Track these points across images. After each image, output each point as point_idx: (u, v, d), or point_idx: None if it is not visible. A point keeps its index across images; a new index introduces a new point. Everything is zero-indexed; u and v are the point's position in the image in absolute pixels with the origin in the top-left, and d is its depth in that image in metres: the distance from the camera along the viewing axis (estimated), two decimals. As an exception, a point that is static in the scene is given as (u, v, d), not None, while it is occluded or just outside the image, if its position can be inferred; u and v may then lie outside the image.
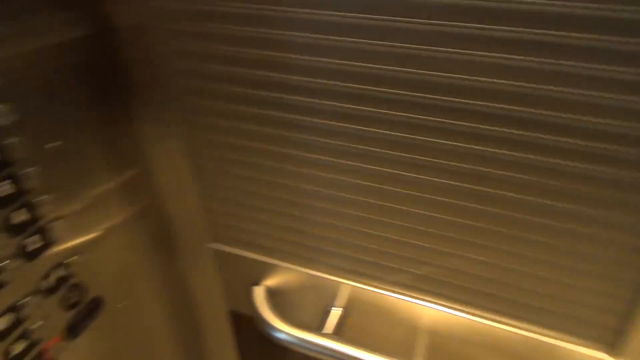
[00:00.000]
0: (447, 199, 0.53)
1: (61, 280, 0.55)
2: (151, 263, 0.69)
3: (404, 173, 0.53)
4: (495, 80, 0.43)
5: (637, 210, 0.45)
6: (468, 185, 0.51)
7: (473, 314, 0.60)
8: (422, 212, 0.55)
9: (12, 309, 0.49)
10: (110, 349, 0.64)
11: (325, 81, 0.50)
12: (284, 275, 0.69)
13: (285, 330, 0.66)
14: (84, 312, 0.59)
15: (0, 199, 0.45)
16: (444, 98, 0.46)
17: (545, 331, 0.57)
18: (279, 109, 0.54)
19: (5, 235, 0.47)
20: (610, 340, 0.54)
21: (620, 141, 0.42)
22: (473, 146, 0.48)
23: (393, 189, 0.55)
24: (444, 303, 0.61)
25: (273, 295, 0.71)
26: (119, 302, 0.64)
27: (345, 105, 0.51)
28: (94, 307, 0.60)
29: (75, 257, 0.56)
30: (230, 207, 0.67)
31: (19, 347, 0.50)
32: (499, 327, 0.59)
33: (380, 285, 0.64)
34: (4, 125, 0.45)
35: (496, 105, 0.45)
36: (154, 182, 0.64)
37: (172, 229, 0.69)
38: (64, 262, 0.55)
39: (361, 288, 0.65)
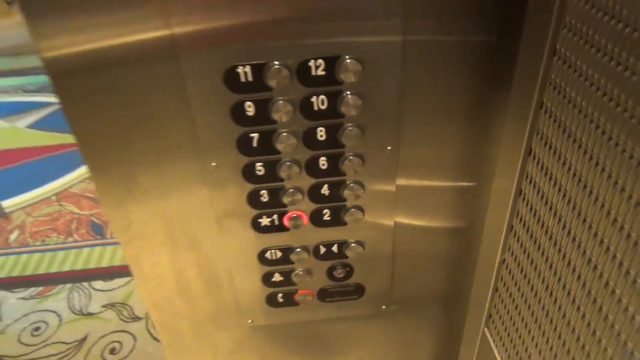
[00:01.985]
0: None
1: (337, 255, 0.58)
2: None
3: None
4: None
5: None
6: None
7: None
8: None
9: (290, 250, 0.57)
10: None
11: None
12: None
13: None
14: (341, 290, 0.61)
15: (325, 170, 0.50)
16: None
17: None
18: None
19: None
20: None
21: None
22: None
23: None
24: None
25: None
26: (383, 303, 0.64)
27: None
28: (352, 292, 0.62)
29: (359, 248, 0.57)
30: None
31: (277, 277, 0.59)
32: None
33: None
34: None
35: None
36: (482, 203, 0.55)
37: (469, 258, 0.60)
38: (351, 243, 0.57)
39: None
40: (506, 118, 0.48)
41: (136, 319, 1.37)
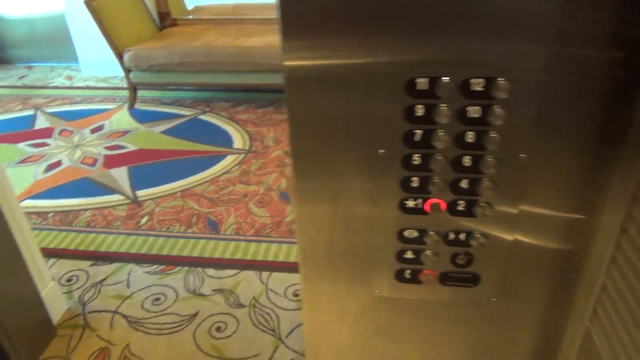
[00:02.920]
0: None
1: (463, 243, 0.70)
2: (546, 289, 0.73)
3: None
4: None
5: None
6: None
7: None
8: None
9: (424, 232, 0.70)
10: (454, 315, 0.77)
11: None
12: None
13: None
14: (460, 276, 0.73)
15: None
16: None
17: None
18: None
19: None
20: None
21: None
22: None
23: None
24: None
25: None
26: (494, 294, 0.74)
27: None
28: (469, 279, 0.73)
29: (483, 239, 0.69)
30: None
31: (409, 254, 0.72)
32: None
33: None
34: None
35: None
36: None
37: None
38: (476, 234, 0.69)
39: None
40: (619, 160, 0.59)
41: (241, 306, 1.54)
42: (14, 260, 1.28)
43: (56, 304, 1.50)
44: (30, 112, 2.84)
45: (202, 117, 2.72)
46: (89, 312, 1.53)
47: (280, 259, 1.71)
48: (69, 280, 1.66)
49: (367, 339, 0.82)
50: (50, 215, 1.97)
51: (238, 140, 2.47)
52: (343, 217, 0.71)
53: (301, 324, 1.47)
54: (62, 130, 2.62)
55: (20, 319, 1.30)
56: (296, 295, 1.57)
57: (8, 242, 1.26)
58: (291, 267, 1.67)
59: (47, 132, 2.60)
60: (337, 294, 0.78)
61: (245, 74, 2.62)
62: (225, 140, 2.47)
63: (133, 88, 2.78)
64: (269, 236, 1.82)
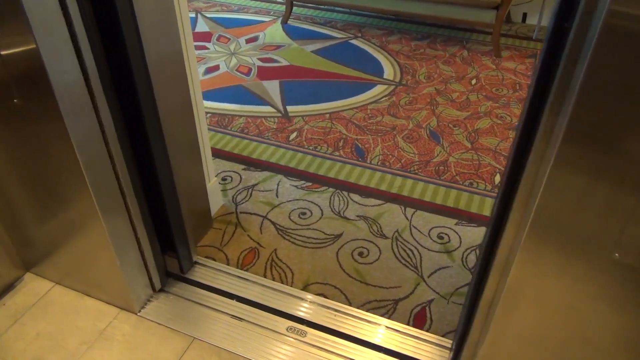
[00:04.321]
0: None
1: None
2: None
3: None
4: None
5: None
6: None
7: None
8: None
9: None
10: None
11: None
12: None
13: None
14: None
15: None
16: None
17: None
18: None
19: None
20: None
21: None
22: None
23: None
24: None
25: None
26: None
27: None
28: None
29: None
30: None
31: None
32: None
33: None
34: None
35: None
36: None
37: None
38: None
39: None
40: None
41: (383, 236, 1.54)
42: (193, 150, 1.37)
43: (215, 199, 1.61)
44: (192, 15, 2.96)
45: (353, 41, 2.65)
46: (241, 213, 1.63)
47: (426, 198, 1.67)
48: (224, 179, 1.77)
49: (580, 300, 0.75)
50: (208, 115, 2.08)
51: (389, 70, 2.39)
52: (604, 183, 0.62)
53: (445, 267, 1.44)
54: (220, 36, 2.71)
55: (190, 204, 1.41)
56: (441, 237, 1.53)
57: (192, 133, 1.34)
58: (437, 209, 1.62)
59: (206, 36, 2.70)
60: (566, 253, 0.71)
61: (403, 1, 2.48)
62: (375, 68, 2.40)
63: (290, 3, 2.76)
64: (415, 173, 1.77)
